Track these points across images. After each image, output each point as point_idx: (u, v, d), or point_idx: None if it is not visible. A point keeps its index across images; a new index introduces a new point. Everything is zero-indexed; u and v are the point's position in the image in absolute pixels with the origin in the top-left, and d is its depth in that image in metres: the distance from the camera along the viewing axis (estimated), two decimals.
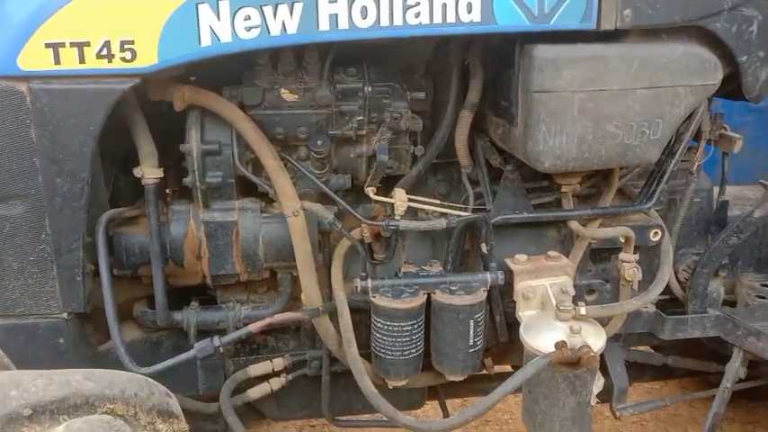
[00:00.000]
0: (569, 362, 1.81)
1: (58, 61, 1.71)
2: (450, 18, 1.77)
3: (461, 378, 2.06)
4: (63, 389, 1.19)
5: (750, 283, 2.38)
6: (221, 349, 1.88)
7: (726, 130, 2.25)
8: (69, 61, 1.71)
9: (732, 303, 2.37)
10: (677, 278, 2.30)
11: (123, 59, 1.71)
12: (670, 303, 2.33)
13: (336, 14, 1.73)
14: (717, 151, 2.33)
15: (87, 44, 1.71)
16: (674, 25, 1.88)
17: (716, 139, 2.23)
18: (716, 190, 2.39)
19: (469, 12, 1.77)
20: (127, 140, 1.95)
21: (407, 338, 1.95)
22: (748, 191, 2.63)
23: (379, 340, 1.96)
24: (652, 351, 2.58)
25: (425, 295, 1.96)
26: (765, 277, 2.43)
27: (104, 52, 1.71)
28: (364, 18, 1.74)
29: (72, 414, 1.19)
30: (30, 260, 1.83)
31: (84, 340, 1.95)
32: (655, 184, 2.13)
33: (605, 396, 2.21)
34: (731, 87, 2.03)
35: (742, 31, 1.93)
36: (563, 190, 2.12)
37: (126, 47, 1.71)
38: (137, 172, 1.89)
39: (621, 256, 2.14)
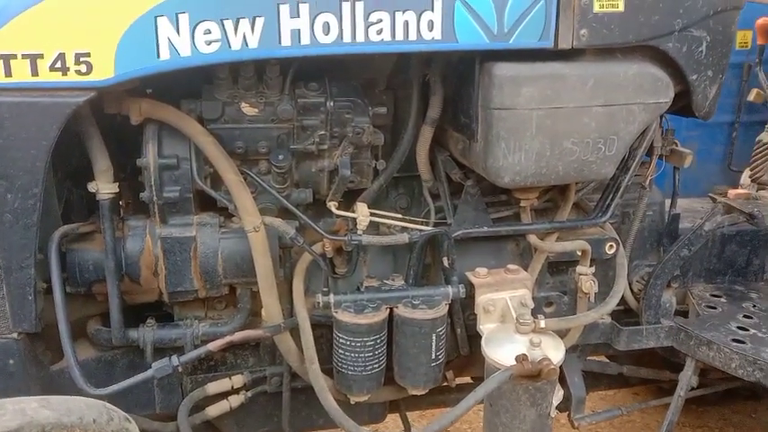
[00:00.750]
0: (530, 375, 1.83)
1: (9, 73, 1.65)
2: (412, 36, 1.77)
3: (423, 392, 2.06)
4: (18, 418, 1.15)
5: (700, 294, 2.46)
6: (180, 368, 1.84)
7: (677, 145, 2.31)
8: (21, 74, 1.66)
9: (683, 313, 2.44)
10: (631, 289, 2.36)
11: (78, 72, 1.67)
12: (624, 314, 2.38)
13: (299, 30, 1.72)
14: (667, 165, 2.39)
15: (41, 56, 1.66)
16: (628, 45, 1.92)
17: (667, 154, 2.29)
18: (667, 203, 2.45)
19: (431, 30, 1.78)
20: (79, 152, 1.90)
21: (370, 353, 1.94)
22: (697, 203, 2.72)
23: (342, 356, 1.95)
24: (607, 361, 2.63)
25: (388, 310, 1.96)
26: (715, 287, 2.52)
27: (58, 65, 1.66)
28: (326, 34, 1.73)
29: None
30: None
31: (36, 360, 1.88)
32: (610, 198, 2.17)
33: (563, 405, 2.24)
34: (681, 104, 2.09)
35: (692, 51, 1.99)
36: (521, 204, 2.15)
37: (81, 59, 1.67)
38: (91, 187, 1.83)
39: (578, 269, 2.18)
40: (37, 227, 1.74)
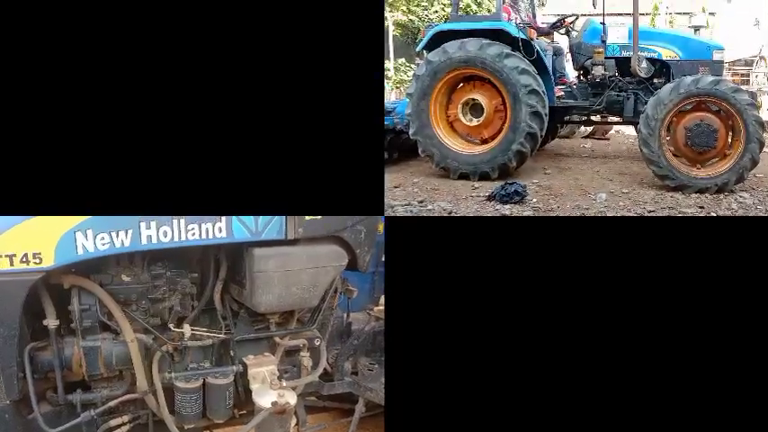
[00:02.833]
0: (279, 411, 3.34)
1: None
2: (210, 235, 3.30)
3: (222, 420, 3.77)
4: None
5: (363, 363, 4.42)
6: (95, 416, 3.37)
7: (349, 285, 4.31)
8: (3, 265, 2.92)
9: (356, 373, 4.37)
10: (327, 361, 4.23)
11: (35, 263, 2.92)
12: (325, 375, 4.16)
13: (150, 235, 3.31)
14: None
15: (15, 255, 2.90)
16: (323, 236, 3.52)
17: (344, 290, 4.29)
18: (345, 315, 4.24)
19: (220, 231, 3.46)
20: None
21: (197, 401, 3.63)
22: (360, 315, 4.47)
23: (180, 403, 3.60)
24: (316, 398, 4.22)
25: (203, 379, 3.66)
26: (371, 360, 4.46)
27: (24, 259, 2.90)
28: (165, 237, 3.38)
29: None
30: None
31: (20, 413, 3.17)
32: (316, 314, 3.89)
33: (296, 426, 4.05)
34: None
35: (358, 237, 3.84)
36: (270, 320, 3.70)
37: (36, 255, 2.92)
38: (45, 322, 3.31)
39: (301, 353, 4.01)
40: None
